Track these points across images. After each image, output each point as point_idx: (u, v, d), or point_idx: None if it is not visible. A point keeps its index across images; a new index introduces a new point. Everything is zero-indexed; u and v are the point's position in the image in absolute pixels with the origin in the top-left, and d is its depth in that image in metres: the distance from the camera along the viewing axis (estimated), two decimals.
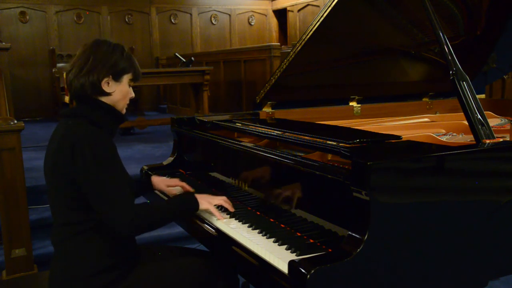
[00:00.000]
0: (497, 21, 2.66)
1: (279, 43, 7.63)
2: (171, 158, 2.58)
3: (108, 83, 1.70)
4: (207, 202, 1.80)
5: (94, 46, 1.72)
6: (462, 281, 1.54)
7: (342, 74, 2.71)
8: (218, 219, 1.78)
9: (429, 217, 1.42)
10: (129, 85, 1.77)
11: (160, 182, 2.14)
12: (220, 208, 1.85)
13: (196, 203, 1.78)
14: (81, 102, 1.72)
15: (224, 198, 1.85)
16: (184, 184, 2.12)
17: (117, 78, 1.71)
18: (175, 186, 2.13)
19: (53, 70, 8.61)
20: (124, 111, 1.80)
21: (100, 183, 1.57)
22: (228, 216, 1.81)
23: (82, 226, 1.64)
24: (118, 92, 1.73)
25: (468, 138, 2.16)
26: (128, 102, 1.80)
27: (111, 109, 1.73)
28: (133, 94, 1.80)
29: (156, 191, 2.19)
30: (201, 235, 1.89)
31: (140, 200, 2.09)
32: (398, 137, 1.69)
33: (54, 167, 1.64)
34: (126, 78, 1.74)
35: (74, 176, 1.58)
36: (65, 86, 5.91)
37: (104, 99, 1.72)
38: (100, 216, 1.61)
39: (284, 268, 1.32)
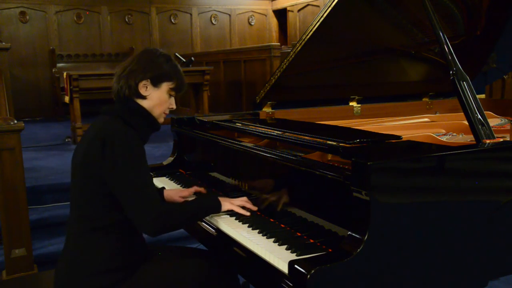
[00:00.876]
0: (497, 21, 2.66)
1: (279, 43, 7.63)
2: (171, 158, 2.58)
3: (146, 87, 1.73)
4: (229, 203, 1.79)
5: (141, 52, 1.78)
6: (462, 281, 1.54)
7: (342, 74, 2.71)
8: (246, 216, 1.75)
9: (429, 217, 1.42)
10: (170, 95, 1.78)
11: (173, 195, 2.07)
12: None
13: (219, 205, 1.78)
14: (120, 101, 1.75)
15: (244, 198, 1.84)
16: (197, 189, 2.10)
17: (155, 83, 1.74)
18: (190, 194, 2.08)
19: (53, 70, 8.61)
20: (161, 119, 1.81)
21: (128, 179, 1.59)
22: (228, 215, 1.81)
23: (98, 223, 1.64)
24: (155, 97, 1.75)
25: (468, 138, 2.16)
26: (167, 112, 1.81)
27: (145, 112, 1.75)
28: (174, 105, 1.82)
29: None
30: (201, 235, 1.89)
31: None
32: (398, 137, 1.69)
33: (83, 159, 1.65)
34: (166, 85, 1.76)
35: (101, 171, 1.60)
36: (65, 86, 5.93)
37: (140, 102, 1.74)
38: (126, 212, 1.62)
39: (284, 268, 1.32)
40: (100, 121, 1.71)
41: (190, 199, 2.07)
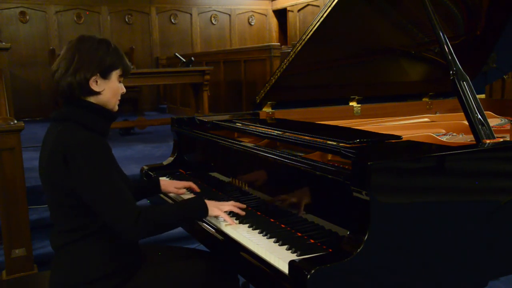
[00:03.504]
0: (497, 21, 2.66)
1: (279, 43, 7.63)
2: (171, 158, 2.58)
3: (97, 81, 1.63)
4: (217, 208, 1.76)
5: (78, 43, 1.65)
6: (462, 281, 1.54)
7: (342, 74, 2.71)
8: (228, 224, 1.72)
9: (429, 217, 1.42)
10: (119, 81, 1.71)
11: (169, 184, 2.09)
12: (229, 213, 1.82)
13: (206, 210, 1.74)
14: (70, 103, 1.66)
15: (232, 202, 1.81)
16: (191, 184, 2.11)
17: (105, 75, 1.65)
18: (184, 187, 2.11)
19: None
20: (116, 108, 1.73)
21: (99, 189, 1.54)
22: (229, 216, 1.80)
23: (82, 232, 1.62)
24: (108, 90, 1.66)
25: (468, 138, 2.16)
26: (119, 98, 1.74)
27: (101, 110, 1.67)
28: (124, 90, 1.73)
29: (162, 195, 2.17)
30: (201, 235, 1.89)
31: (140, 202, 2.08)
32: (398, 137, 1.69)
33: (48, 176, 1.62)
34: (115, 74, 1.67)
35: (70, 185, 1.55)
36: None
37: (93, 99, 1.66)
38: (104, 221, 1.58)
39: (285, 268, 1.32)
40: (55, 131, 1.62)
41: (185, 196, 2.07)
